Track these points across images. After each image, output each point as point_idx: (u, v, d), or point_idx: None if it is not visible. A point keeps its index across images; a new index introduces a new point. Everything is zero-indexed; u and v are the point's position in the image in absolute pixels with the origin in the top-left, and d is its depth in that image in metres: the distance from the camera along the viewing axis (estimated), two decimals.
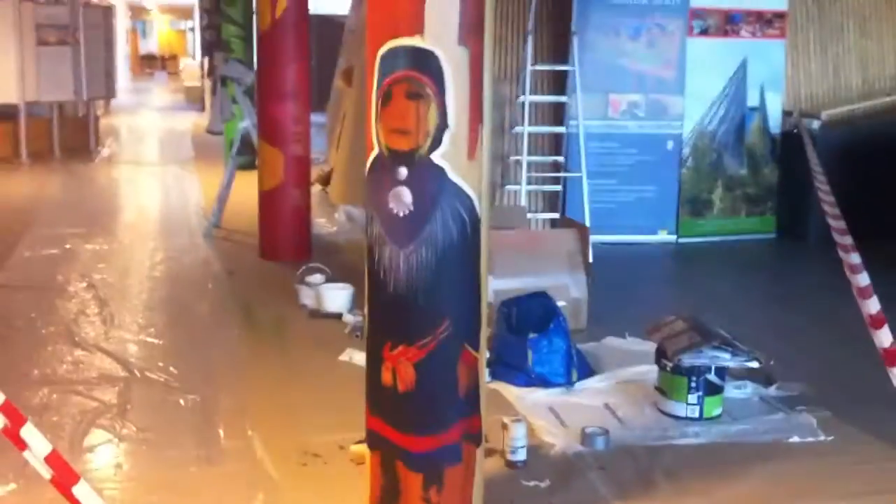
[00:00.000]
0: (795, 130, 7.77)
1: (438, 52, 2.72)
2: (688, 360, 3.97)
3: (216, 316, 5.69)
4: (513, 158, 7.51)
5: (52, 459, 2.08)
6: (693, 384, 4.02)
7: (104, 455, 3.74)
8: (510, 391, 4.36)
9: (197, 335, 5.30)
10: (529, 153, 7.44)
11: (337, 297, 5.66)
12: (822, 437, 3.90)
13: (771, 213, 8.03)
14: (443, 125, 2.76)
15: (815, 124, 7.78)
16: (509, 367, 4.45)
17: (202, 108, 19.01)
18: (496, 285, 5.14)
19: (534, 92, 7.41)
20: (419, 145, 2.77)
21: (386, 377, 2.93)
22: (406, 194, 2.80)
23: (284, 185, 6.98)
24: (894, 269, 6.70)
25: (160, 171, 12.05)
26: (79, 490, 2.04)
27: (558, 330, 4.39)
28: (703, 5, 7.59)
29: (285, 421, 4.06)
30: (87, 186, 10.78)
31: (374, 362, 2.98)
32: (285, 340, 5.27)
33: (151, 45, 41.37)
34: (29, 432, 2.03)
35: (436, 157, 2.77)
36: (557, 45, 7.55)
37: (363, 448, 3.73)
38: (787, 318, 5.82)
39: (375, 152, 2.86)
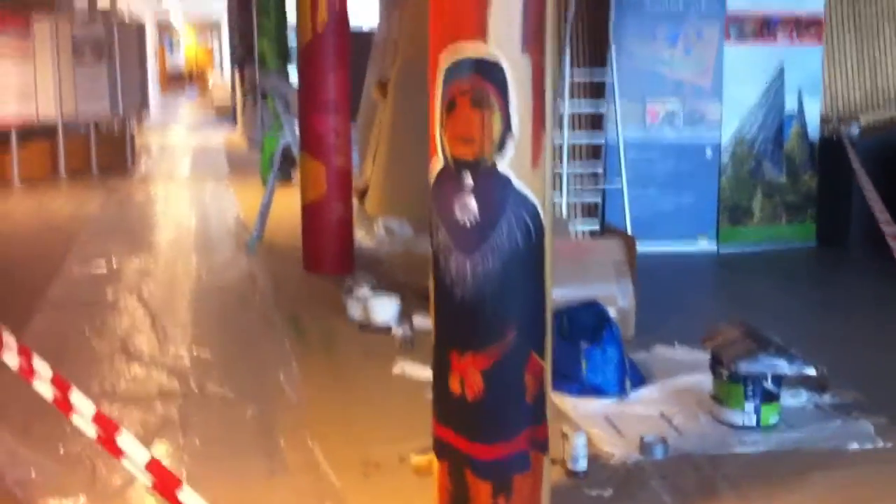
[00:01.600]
0: (835, 137, 7.73)
1: (502, 61, 2.75)
2: (745, 367, 3.95)
3: (266, 329, 5.72)
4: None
5: (153, 466, 2.11)
6: (750, 392, 4.01)
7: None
8: (564, 400, 4.36)
9: (249, 349, 5.34)
10: (568, 163, 7.45)
11: (385, 308, 5.68)
12: (881, 444, 3.87)
13: (811, 220, 7.98)
14: (507, 133, 2.78)
15: (855, 130, 7.74)
16: (563, 377, 4.43)
17: (234, 123, 19.16)
18: None
19: (571, 101, 7.43)
20: (484, 154, 2.79)
21: (454, 385, 2.94)
22: (472, 203, 2.82)
23: (327, 197, 7.03)
24: None
25: (196, 186, 12.15)
26: (184, 495, 2.08)
27: (611, 339, 4.39)
28: (739, 10, 7.58)
29: (344, 433, 4.08)
30: (126, 203, 10.89)
31: (441, 371, 3.00)
32: (336, 353, 5.29)
33: (179, 61, 41.73)
34: (125, 441, 2.06)
35: (501, 165, 2.80)
36: (595, 53, 7.56)
37: (424, 459, 3.78)
38: (834, 327, 5.78)
39: (441, 162, 2.89)
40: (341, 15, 6.85)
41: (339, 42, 6.88)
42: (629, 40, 7.44)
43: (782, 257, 7.72)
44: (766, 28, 7.66)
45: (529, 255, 2.87)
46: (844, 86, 8.16)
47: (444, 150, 2.86)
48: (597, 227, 7.54)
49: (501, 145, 2.78)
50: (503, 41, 2.74)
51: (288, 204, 8.70)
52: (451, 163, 2.84)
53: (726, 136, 7.68)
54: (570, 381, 4.41)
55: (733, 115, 7.67)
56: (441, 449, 3.05)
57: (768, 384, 4.01)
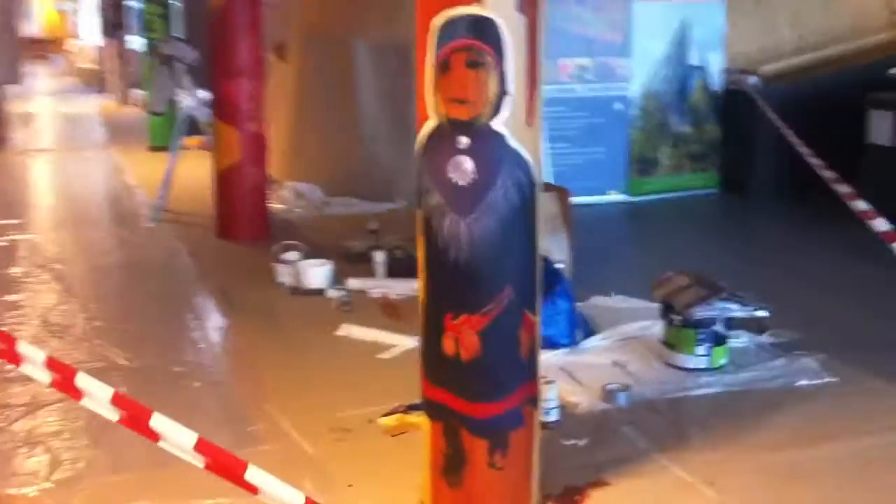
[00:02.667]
0: (736, 89, 8.01)
1: (498, 20, 2.73)
2: (700, 312, 4.09)
3: (195, 300, 5.58)
4: None
5: (118, 400, 2.08)
6: (701, 336, 4.16)
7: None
8: None
9: (184, 321, 5.19)
10: None
11: (318, 273, 5.63)
12: (827, 379, 4.08)
13: (714, 168, 8.27)
14: (503, 93, 2.77)
15: (753, 80, 8.03)
16: None
17: (101, 91, 18.43)
18: None
19: None
20: (480, 114, 2.78)
21: (448, 346, 2.94)
22: (467, 163, 2.81)
23: (242, 163, 6.88)
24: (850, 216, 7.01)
25: (80, 156, 11.66)
26: (156, 422, 2.06)
27: (561, 291, 4.46)
28: None
29: (305, 400, 4.03)
30: (6, 176, 10.37)
31: (433, 333, 2.98)
32: (276, 320, 5.20)
33: (35, 28, 39.70)
34: (84, 381, 2.03)
35: (496, 124, 2.79)
36: None
37: (393, 419, 3.80)
38: (754, 270, 6.01)
39: (433, 123, 2.86)
40: None
41: (251, 5, 6.69)
42: None
43: (688, 204, 7.99)
44: None
45: (524, 213, 2.88)
46: (743, 38, 8.42)
47: (437, 112, 2.83)
48: None
49: (497, 105, 2.77)
50: (500, 2, 2.72)
51: (191, 173, 8.46)
52: (446, 124, 2.81)
53: (635, 90, 7.86)
54: None
55: (642, 69, 7.85)
56: (434, 411, 3.05)
57: (718, 327, 4.16)
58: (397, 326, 4.91)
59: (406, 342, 4.64)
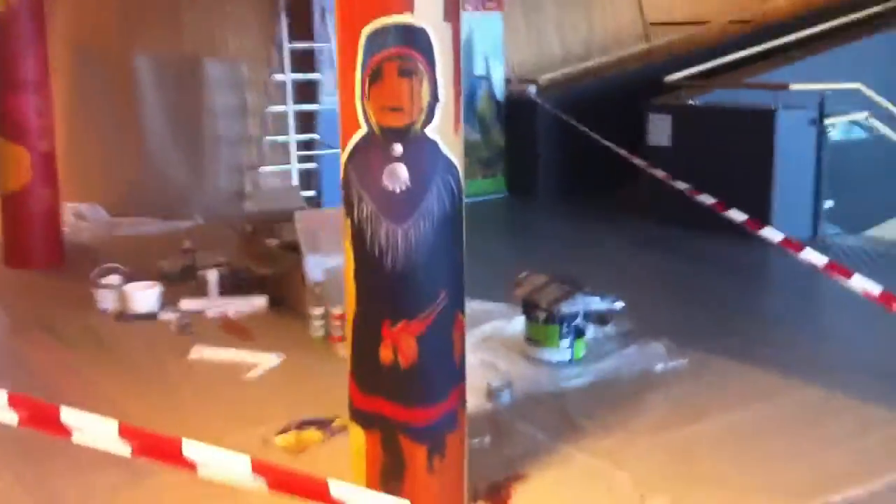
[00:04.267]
0: (518, 97, 8.43)
1: (428, 29, 2.77)
2: (566, 307, 4.30)
3: (12, 337, 5.12)
4: (269, 139, 7.43)
5: (16, 401, 1.89)
6: (565, 330, 4.37)
7: None
8: None
9: (6, 362, 4.76)
10: (275, 133, 7.41)
11: (147, 296, 5.35)
12: (679, 361, 4.41)
13: (501, 173, 8.65)
14: (434, 100, 2.81)
15: (533, 89, 8.48)
16: None
17: None
18: (329, 262, 5.18)
19: (282, 72, 7.37)
20: (414, 121, 2.80)
21: (385, 355, 2.94)
22: (402, 170, 2.83)
23: (32, 185, 6.39)
24: (632, 213, 7.57)
25: None
26: (66, 415, 1.89)
27: None
28: None
29: (187, 429, 3.82)
30: None
31: (367, 342, 2.97)
32: (115, 349, 4.87)
33: None
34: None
35: (430, 131, 2.83)
36: (303, 22, 7.54)
37: (290, 437, 3.71)
38: (557, 265, 6.34)
39: (364, 131, 2.85)
40: None
41: (36, 14, 6.24)
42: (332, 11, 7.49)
43: (481, 209, 8.27)
44: None
45: (455, 217, 2.93)
46: (520, 50, 8.86)
47: (369, 121, 2.82)
48: (313, 195, 7.59)
49: (430, 112, 2.81)
50: (428, 8, 2.76)
51: None
52: (379, 132, 2.81)
53: None
54: None
55: None
56: (369, 421, 3.03)
57: (579, 321, 4.40)
58: (249, 345, 4.79)
59: (268, 360, 4.55)
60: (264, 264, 5.64)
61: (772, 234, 4.93)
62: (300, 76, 7.46)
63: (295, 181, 7.27)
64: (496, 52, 8.47)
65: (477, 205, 8.32)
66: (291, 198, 6.62)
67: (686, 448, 3.56)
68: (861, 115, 6.64)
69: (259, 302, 5.43)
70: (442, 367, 2.99)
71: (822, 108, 6.51)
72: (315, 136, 7.62)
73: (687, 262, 6.52)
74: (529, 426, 3.76)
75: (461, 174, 2.92)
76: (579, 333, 4.43)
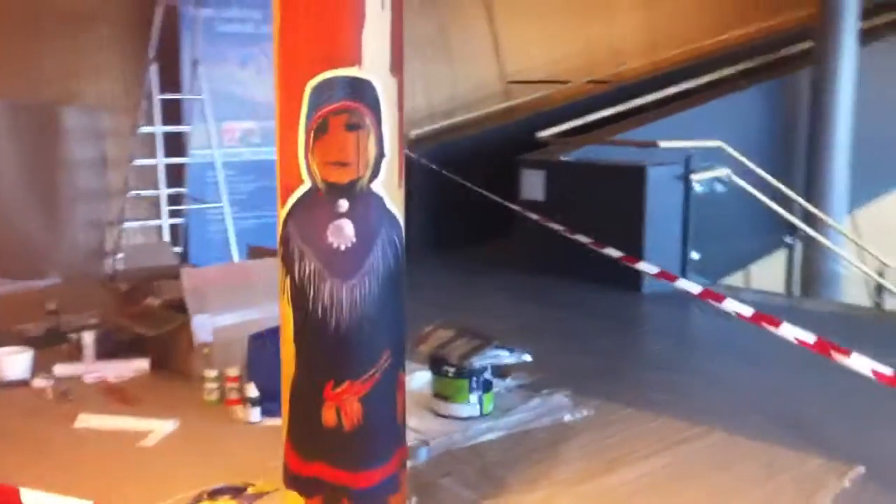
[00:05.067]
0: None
1: (375, 82, 2.73)
2: (477, 361, 4.28)
3: None
4: (134, 193, 7.13)
5: None
6: (474, 384, 4.35)
7: None
8: None
9: None
10: (138, 186, 7.14)
11: (18, 362, 4.99)
12: (586, 412, 4.46)
13: None
14: (381, 154, 2.77)
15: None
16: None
17: None
18: (217, 322, 5.01)
19: (150, 123, 7.11)
20: (360, 176, 2.75)
21: (328, 418, 2.84)
22: (348, 227, 2.76)
23: None
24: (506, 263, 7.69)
25: None
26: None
27: None
28: None
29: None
30: None
31: (308, 406, 2.86)
32: None
33: None
34: None
35: (375, 186, 2.78)
36: (172, 72, 7.32)
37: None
38: (449, 318, 6.36)
39: (306, 186, 2.77)
40: None
41: None
42: (206, 62, 7.31)
43: None
44: None
45: (398, 273, 2.88)
46: None
47: (313, 176, 2.74)
48: (180, 251, 7.33)
49: (376, 167, 2.76)
50: (376, 62, 2.72)
51: None
52: (323, 188, 2.74)
53: None
54: None
55: None
56: (308, 487, 2.91)
57: (488, 375, 4.39)
58: (137, 411, 4.53)
59: (162, 426, 4.31)
60: (145, 325, 5.36)
61: (648, 267, 5.25)
62: (170, 128, 7.22)
63: (166, 237, 6.99)
64: None
65: None
66: (163, 254, 6.37)
67: (611, 498, 3.58)
68: (723, 172, 6.99)
69: (141, 365, 5.15)
70: (386, 429, 2.91)
71: (688, 165, 6.82)
72: (183, 190, 7.37)
73: (566, 311, 6.64)
74: (453, 483, 3.70)
75: (403, 229, 2.88)
76: (487, 387, 4.42)
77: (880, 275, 8.14)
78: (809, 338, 3.99)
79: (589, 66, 9.89)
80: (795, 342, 4.06)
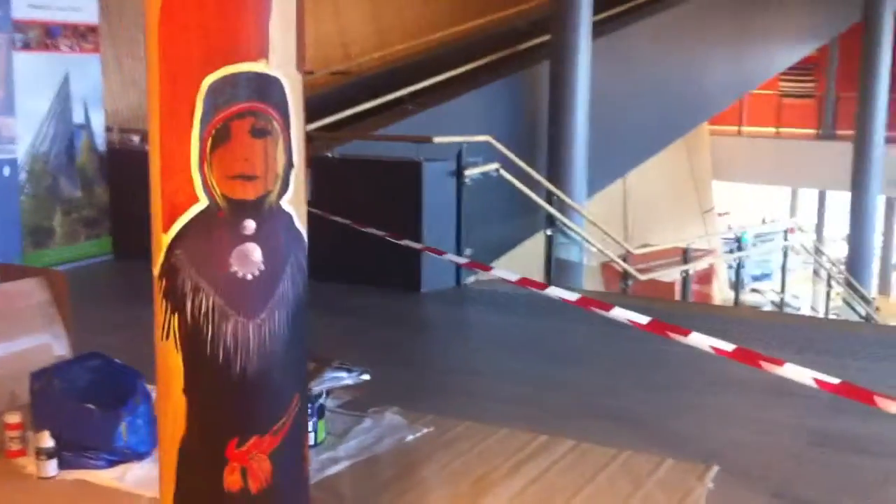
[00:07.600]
0: (120, 147, 7.65)
1: (283, 79, 2.28)
2: (317, 386, 3.86)
3: None
4: None
5: None
6: (310, 412, 3.92)
7: None
8: (99, 476, 3.66)
9: None
10: None
11: None
12: (425, 430, 4.17)
13: (106, 234, 7.72)
14: (289, 164, 2.33)
15: (137, 139, 7.74)
16: (84, 450, 3.71)
17: None
18: None
19: None
20: (270, 191, 2.29)
21: (232, 482, 2.36)
22: (255, 252, 2.30)
23: None
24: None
25: None
26: None
27: (145, 394, 3.81)
28: (23, 17, 6.87)
29: None
30: None
31: (205, 470, 2.36)
32: None
33: None
34: None
35: (284, 203, 2.33)
36: None
37: None
38: None
39: (203, 205, 2.26)
40: None
41: None
42: None
43: (84, 274, 7.28)
44: (48, 36, 7.09)
45: (304, 303, 2.45)
46: (117, 95, 8.03)
47: (211, 193, 2.24)
48: None
49: (285, 179, 2.32)
50: (283, 58, 2.27)
51: None
52: (225, 206, 2.25)
53: (22, 152, 6.94)
54: (102, 451, 3.71)
55: (27, 129, 6.96)
56: None
57: (324, 399, 3.99)
58: None
59: None
60: None
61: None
62: None
63: None
64: (95, 98, 7.56)
65: (80, 269, 7.36)
66: None
67: None
68: (493, 166, 6.94)
69: None
70: (296, 486, 2.48)
71: (461, 160, 6.70)
72: None
73: (355, 319, 6.28)
74: None
75: (306, 249, 2.46)
76: (321, 414, 4.01)
77: (624, 259, 8.54)
78: (642, 319, 3.90)
79: (322, 58, 9.53)
80: (628, 323, 3.96)
